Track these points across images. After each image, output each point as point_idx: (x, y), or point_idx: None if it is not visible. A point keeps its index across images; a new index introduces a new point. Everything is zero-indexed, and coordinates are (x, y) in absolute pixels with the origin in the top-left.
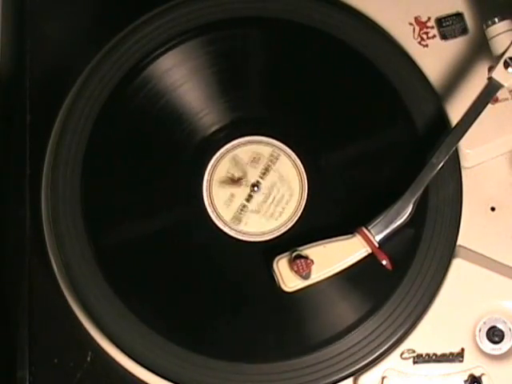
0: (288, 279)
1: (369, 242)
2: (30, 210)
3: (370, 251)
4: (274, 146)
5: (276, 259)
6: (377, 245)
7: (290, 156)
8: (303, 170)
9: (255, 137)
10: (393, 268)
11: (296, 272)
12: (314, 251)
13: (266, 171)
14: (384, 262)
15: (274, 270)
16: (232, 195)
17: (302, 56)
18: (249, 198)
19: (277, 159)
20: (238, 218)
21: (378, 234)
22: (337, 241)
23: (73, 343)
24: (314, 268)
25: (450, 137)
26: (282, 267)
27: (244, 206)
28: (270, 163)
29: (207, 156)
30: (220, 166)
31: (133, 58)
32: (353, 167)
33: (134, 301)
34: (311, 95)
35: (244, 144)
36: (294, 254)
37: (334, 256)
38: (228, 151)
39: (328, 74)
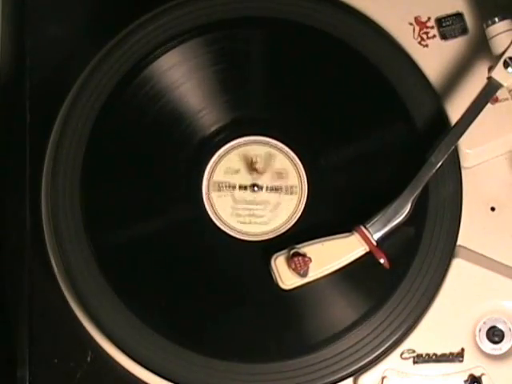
0: (286, 277)
1: (367, 240)
2: (30, 210)
3: (367, 250)
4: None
5: (274, 256)
6: (375, 243)
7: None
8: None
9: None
10: (390, 267)
11: (294, 269)
12: (312, 249)
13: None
14: (382, 261)
15: (271, 268)
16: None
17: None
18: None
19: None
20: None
21: (375, 232)
22: (335, 239)
23: (73, 343)
24: (311, 266)
25: (449, 136)
26: (279, 264)
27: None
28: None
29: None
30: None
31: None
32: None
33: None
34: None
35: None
36: (292, 252)
37: (332, 254)
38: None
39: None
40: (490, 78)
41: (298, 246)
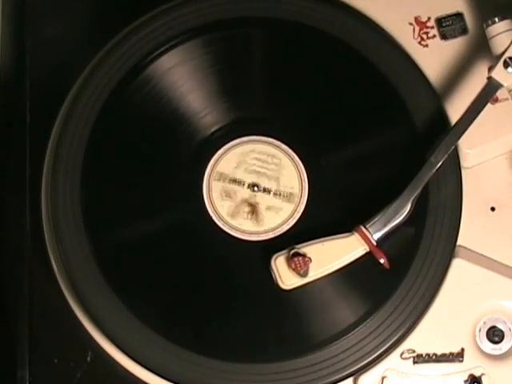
0: (286, 277)
1: (367, 240)
2: (30, 210)
3: (367, 250)
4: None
5: (274, 256)
6: (375, 243)
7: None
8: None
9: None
10: (390, 266)
11: (294, 269)
12: (312, 249)
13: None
14: (381, 261)
15: (271, 268)
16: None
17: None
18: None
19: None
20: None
21: (375, 232)
22: (335, 239)
23: (73, 343)
24: (311, 266)
25: (449, 136)
26: (279, 265)
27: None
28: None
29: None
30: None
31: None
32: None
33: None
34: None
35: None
36: (292, 252)
37: (332, 254)
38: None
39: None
40: (490, 78)
41: (298, 246)
